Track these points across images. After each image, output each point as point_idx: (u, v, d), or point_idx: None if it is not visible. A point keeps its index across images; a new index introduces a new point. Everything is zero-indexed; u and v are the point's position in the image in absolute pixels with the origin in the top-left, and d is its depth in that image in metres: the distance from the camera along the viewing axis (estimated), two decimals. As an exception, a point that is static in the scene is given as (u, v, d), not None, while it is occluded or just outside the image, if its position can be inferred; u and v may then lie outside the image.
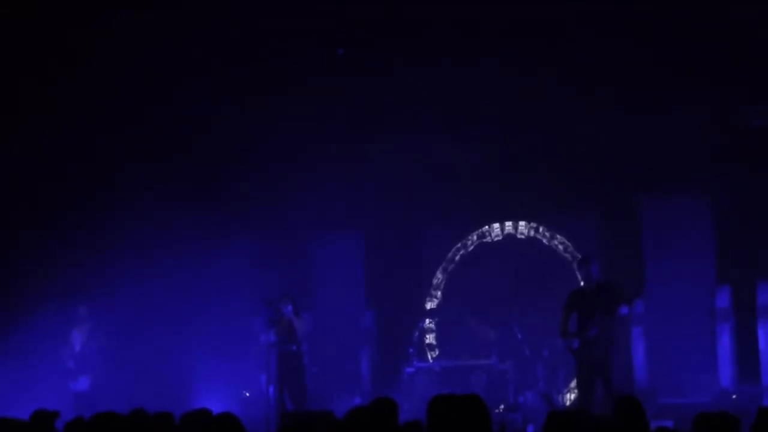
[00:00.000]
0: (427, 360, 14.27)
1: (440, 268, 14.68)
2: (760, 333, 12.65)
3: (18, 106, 12.51)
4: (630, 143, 13.21)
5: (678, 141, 12.86)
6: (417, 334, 14.06)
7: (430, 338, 14.59)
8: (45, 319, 12.70)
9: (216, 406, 10.60)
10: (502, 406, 12.51)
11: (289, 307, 11.91)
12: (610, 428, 5.77)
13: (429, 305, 14.69)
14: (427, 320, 14.59)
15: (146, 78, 12.54)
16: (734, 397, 12.32)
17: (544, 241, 14.32)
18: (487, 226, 14.60)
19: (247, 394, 13.72)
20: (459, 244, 14.67)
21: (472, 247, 14.64)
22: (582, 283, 11.54)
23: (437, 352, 14.50)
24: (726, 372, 13.03)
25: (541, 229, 14.37)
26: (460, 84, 12.89)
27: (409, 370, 13.45)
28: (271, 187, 13.97)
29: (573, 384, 13.05)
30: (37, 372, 12.63)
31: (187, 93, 12.76)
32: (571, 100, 12.84)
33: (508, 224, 14.53)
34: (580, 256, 12.56)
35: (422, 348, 14.37)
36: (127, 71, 12.46)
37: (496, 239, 14.58)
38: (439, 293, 14.69)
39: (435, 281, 14.70)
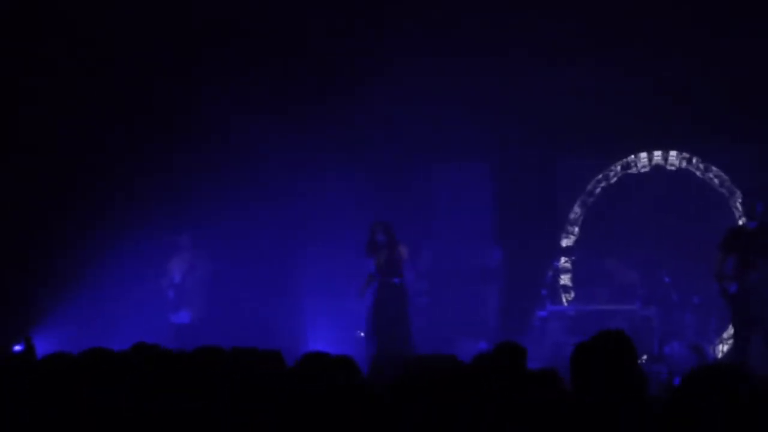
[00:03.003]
0: (562, 303, 14.20)
1: (578, 202, 14.50)
2: None
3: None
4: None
5: None
6: (550, 274, 13.96)
7: (565, 279, 14.49)
8: (147, 246, 13.01)
9: (327, 346, 10.73)
10: (645, 357, 12.39)
11: (381, 236, 11.87)
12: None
13: (565, 242, 14.57)
14: (563, 259, 14.47)
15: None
16: None
17: (698, 173, 13.98)
18: (632, 156, 14.32)
19: (362, 334, 13.88)
20: (600, 176, 14.45)
21: (615, 179, 14.41)
22: (741, 222, 11.28)
23: (573, 295, 14.41)
24: None
25: (694, 160, 14.03)
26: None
27: (542, 313, 13.42)
28: (387, 113, 13.92)
29: (727, 335, 12.84)
30: (136, 302, 12.98)
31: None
32: (733, 17, 12.38)
33: (657, 154, 14.23)
34: (740, 192, 12.24)
35: (556, 290, 14.29)
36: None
37: (642, 170, 14.31)
38: (576, 229, 14.54)
39: (572, 216, 14.54)
